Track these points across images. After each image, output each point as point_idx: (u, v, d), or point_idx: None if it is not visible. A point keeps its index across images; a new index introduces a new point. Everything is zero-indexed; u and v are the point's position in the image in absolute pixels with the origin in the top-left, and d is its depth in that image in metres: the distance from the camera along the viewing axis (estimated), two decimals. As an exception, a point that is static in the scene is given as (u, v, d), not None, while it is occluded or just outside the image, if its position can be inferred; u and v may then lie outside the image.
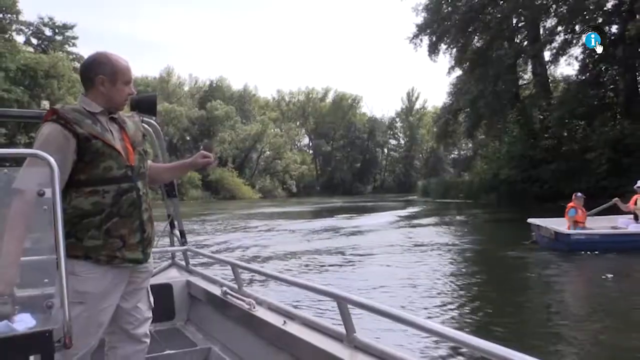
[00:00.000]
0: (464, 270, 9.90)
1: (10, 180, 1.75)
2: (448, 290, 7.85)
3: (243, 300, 2.80)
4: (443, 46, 32.64)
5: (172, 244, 3.88)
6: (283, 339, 2.36)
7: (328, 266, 10.29)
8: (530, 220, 12.18)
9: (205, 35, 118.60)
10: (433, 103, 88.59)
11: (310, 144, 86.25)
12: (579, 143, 24.70)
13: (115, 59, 2.10)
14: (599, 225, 11.47)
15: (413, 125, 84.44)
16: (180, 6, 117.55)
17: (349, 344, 2.01)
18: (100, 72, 2.06)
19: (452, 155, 70.15)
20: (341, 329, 2.07)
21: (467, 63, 31.31)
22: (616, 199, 11.47)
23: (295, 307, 2.94)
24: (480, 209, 26.21)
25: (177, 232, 3.80)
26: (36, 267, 1.74)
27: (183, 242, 3.76)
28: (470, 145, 47.25)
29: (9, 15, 43.93)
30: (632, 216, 11.32)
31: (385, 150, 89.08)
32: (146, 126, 3.15)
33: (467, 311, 6.68)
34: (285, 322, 2.42)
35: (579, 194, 11.47)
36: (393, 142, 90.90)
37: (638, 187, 11.19)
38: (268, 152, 73.02)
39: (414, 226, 19.02)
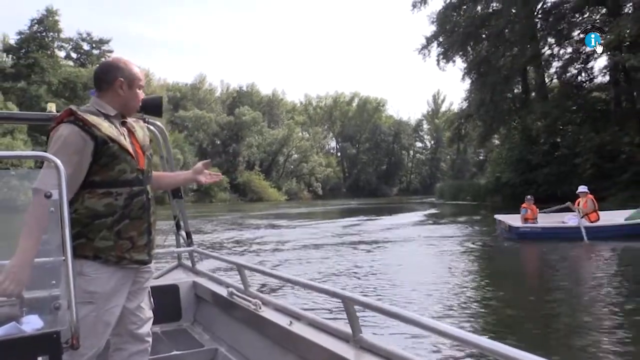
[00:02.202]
0: (442, 263, 10.59)
1: (17, 180, 1.81)
2: (432, 283, 8.23)
3: (249, 301, 2.80)
4: (451, 56, 34.00)
5: (178, 245, 3.87)
6: (289, 339, 2.36)
7: (322, 260, 10.74)
8: (495, 216, 14.73)
9: (238, 41, 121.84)
10: (459, 106, 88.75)
11: (337, 147, 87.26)
12: (569, 149, 25.97)
13: (131, 65, 2.16)
14: (551, 220, 13.75)
15: (439, 127, 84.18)
16: (214, 13, 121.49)
17: (355, 345, 2.00)
18: (119, 75, 2.09)
19: (479, 158, 70.53)
20: (347, 330, 2.06)
21: (473, 72, 32.86)
22: (568, 202, 13.29)
23: (302, 308, 3.06)
24: (481, 209, 27.17)
25: (183, 233, 3.80)
26: (44, 268, 1.71)
27: (189, 243, 3.75)
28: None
29: (51, 34, 47.53)
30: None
31: (411, 153, 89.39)
32: (152, 127, 3.21)
33: (445, 296, 7.18)
34: (291, 322, 2.41)
35: (529, 196, 14.04)
36: (419, 144, 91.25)
37: (580, 192, 13.07)
38: (295, 155, 74.22)
39: (412, 225, 20.44)
